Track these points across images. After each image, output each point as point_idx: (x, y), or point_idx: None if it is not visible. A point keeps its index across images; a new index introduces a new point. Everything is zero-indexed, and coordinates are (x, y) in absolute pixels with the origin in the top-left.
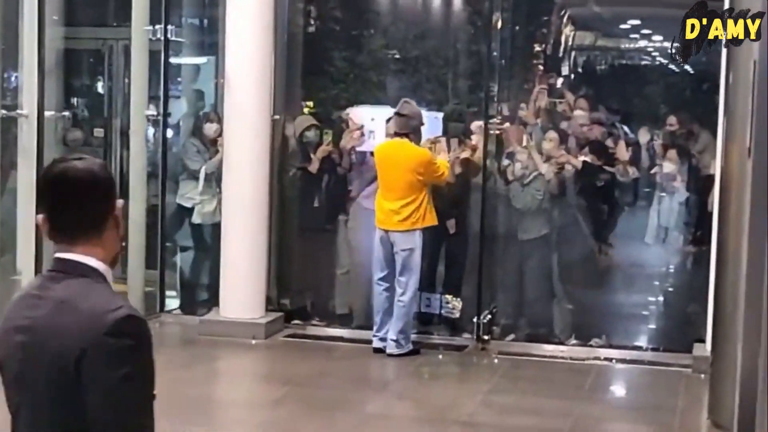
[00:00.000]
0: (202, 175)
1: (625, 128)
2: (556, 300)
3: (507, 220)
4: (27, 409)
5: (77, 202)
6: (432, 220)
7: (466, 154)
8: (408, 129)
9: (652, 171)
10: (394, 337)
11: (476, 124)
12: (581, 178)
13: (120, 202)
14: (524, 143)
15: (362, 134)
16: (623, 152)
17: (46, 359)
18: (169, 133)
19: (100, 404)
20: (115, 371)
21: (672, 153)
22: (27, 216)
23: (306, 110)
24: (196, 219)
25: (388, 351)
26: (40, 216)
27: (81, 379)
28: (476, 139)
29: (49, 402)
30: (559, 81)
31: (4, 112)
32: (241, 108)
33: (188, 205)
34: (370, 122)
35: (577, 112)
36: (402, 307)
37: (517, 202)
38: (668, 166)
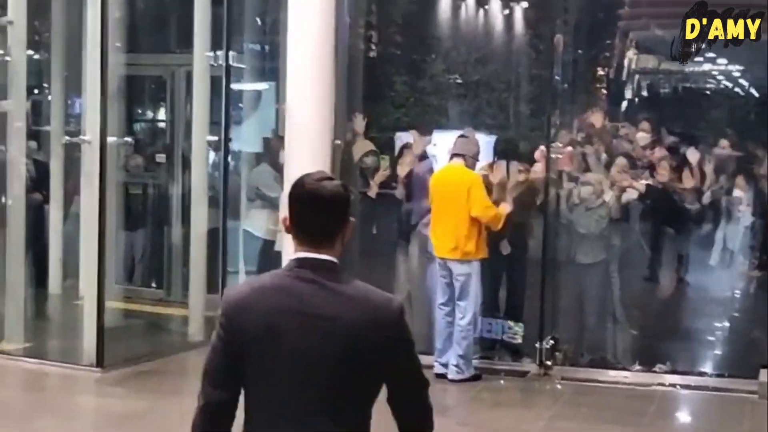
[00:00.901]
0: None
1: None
2: (618, 325)
3: (569, 245)
4: (298, 381)
5: (325, 214)
6: (483, 253)
7: (522, 177)
8: (466, 151)
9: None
10: (455, 362)
11: (538, 151)
12: (644, 202)
13: (352, 219)
14: (578, 166)
15: (418, 158)
16: (688, 179)
17: (342, 337)
18: (230, 158)
19: (407, 364)
20: (409, 339)
21: (740, 179)
22: (90, 241)
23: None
24: (278, 247)
25: (449, 376)
26: (286, 217)
27: (375, 353)
28: (539, 166)
29: (334, 375)
30: (623, 105)
31: (67, 138)
32: (302, 133)
33: (259, 233)
34: (432, 147)
35: (640, 134)
36: (461, 331)
37: (581, 226)
38: (737, 192)
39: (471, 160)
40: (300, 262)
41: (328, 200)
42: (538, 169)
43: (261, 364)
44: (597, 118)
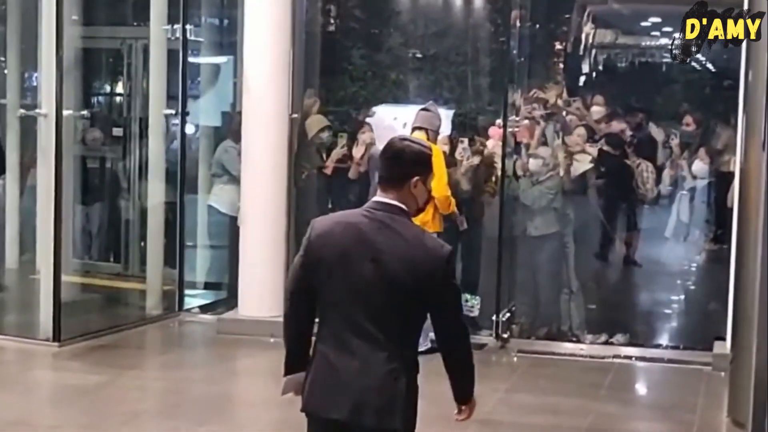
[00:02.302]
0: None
1: (651, 126)
2: (574, 298)
3: (524, 219)
4: (355, 301)
5: (395, 165)
6: (437, 227)
7: (476, 160)
8: (429, 125)
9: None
10: None
11: (492, 128)
12: (599, 171)
13: (417, 179)
14: (537, 140)
15: (373, 140)
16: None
17: (393, 275)
18: (190, 131)
19: (450, 299)
20: (453, 280)
21: (702, 152)
22: (46, 215)
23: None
24: (240, 222)
25: None
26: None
27: (420, 291)
28: (492, 143)
29: (384, 301)
30: (580, 79)
31: (23, 111)
32: (259, 107)
33: (225, 209)
34: (393, 121)
35: (594, 108)
36: None
37: (528, 199)
38: (698, 164)
39: (433, 134)
40: (375, 204)
41: (397, 154)
42: (491, 145)
43: (328, 283)
44: (551, 94)
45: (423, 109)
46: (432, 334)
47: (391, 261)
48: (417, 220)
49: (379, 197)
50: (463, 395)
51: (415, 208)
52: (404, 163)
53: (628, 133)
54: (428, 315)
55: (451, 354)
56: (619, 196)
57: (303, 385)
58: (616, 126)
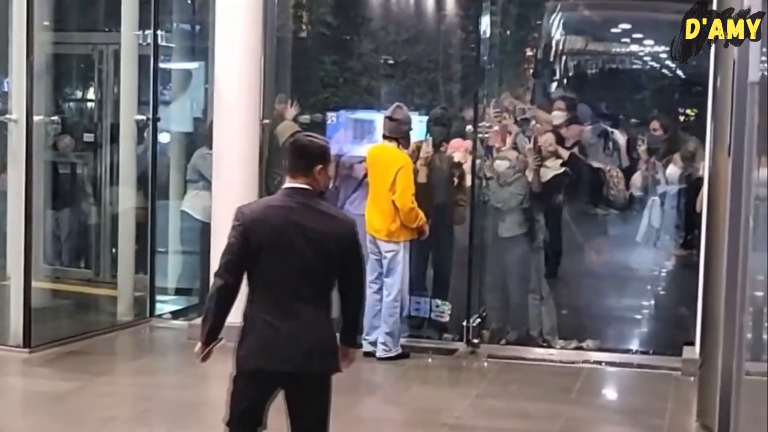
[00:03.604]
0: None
1: (615, 132)
2: (544, 303)
3: (495, 223)
4: (294, 271)
5: (304, 156)
6: (408, 235)
7: (426, 150)
8: (397, 133)
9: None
10: (383, 340)
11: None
12: (569, 176)
13: (321, 167)
14: (507, 145)
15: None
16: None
17: (322, 240)
18: (162, 137)
19: (356, 264)
20: (359, 248)
21: (676, 156)
22: (16, 221)
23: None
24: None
25: (377, 355)
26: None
27: (341, 255)
28: (458, 155)
29: (316, 268)
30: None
31: None
32: (230, 112)
33: (198, 216)
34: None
35: (555, 113)
36: (387, 308)
37: (496, 201)
38: (672, 168)
39: (404, 141)
40: (290, 190)
41: (303, 148)
42: (457, 158)
43: (267, 259)
44: (509, 101)
45: (387, 118)
46: (403, 340)
47: (317, 233)
48: (383, 231)
49: (292, 183)
50: (349, 338)
51: (319, 190)
52: (310, 155)
53: (589, 137)
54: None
55: (349, 298)
56: (590, 201)
57: (238, 350)
58: (575, 130)
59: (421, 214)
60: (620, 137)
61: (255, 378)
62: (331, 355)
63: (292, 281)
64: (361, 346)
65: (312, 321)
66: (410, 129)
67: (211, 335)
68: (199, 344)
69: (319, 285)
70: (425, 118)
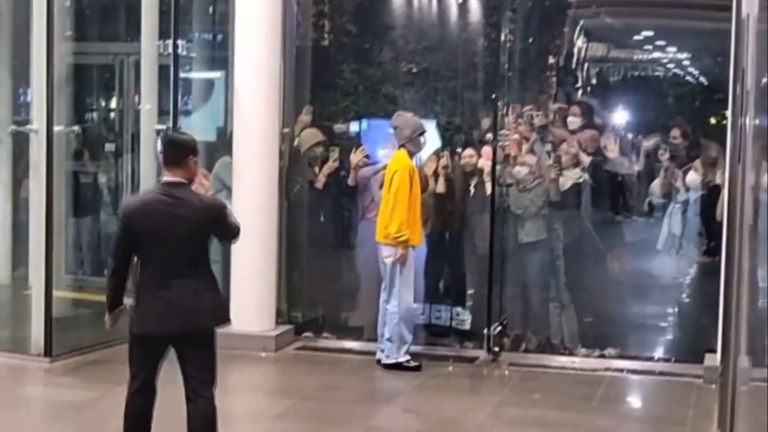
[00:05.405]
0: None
1: (636, 138)
2: (565, 310)
3: (515, 230)
4: (169, 252)
5: (174, 151)
6: (414, 240)
7: (444, 162)
8: (400, 139)
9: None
10: (382, 347)
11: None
12: (590, 184)
13: (192, 158)
14: (524, 152)
15: (366, 154)
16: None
17: (189, 224)
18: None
19: (225, 231)
20: (228, 221)
21: (697, 162)
22: (38, 231)
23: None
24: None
25: (376, 356)
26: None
27: (211, 228)
28: (483, 161)
29: (188, 247)
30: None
31: (13, 127)
32: (250, 121)
33: None
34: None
35: (570, 119)
36: (387, 315)
37: (516, 207)
38: (692, 175)
39: (410, 145)
40: (166, 183)
41: (175, 143)
42: (481, 163)
43: (148, 245)
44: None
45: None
46: (420, 348)
47: (187, 218)
48: (381, 233)
49: (168, 177)
50: None
51: (191, 179)
52: (181, 149)
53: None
54: None
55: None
56: (610, 209)
57: (130, 319)
58: (588, 134)
59: (404, 235)
60: (642, 144)
61: (143, 340)
62: (204, 314)
63: (169, 260)
64: None
65: (186, 289)
66: (413, 133)
67: (114, 305)
68: (106, 314)
69: (192, 261)
70: (444, 126)
